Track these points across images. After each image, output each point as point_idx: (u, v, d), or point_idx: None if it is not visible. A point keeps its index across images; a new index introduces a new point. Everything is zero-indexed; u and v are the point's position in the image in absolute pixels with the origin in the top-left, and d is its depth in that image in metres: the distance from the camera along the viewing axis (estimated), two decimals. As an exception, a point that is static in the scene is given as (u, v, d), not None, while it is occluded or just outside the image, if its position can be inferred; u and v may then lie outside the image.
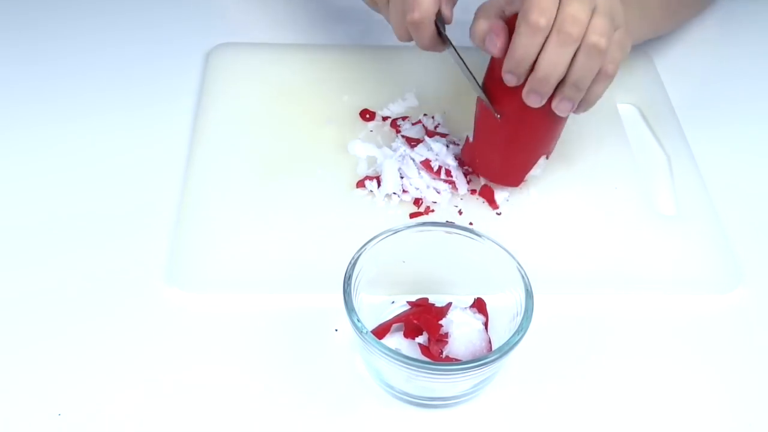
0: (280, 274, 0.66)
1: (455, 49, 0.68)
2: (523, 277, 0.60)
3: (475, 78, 0.67)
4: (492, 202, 0.71)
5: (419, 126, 0.77)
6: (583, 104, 0.65)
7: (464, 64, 0.68)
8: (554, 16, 0.60)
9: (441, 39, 0.68)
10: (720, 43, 0.90)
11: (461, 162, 0.73)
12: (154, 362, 0.62)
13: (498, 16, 0.63)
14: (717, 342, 0.65)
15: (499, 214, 0.71)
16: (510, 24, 0.62)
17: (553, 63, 0.61)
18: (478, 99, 0.68)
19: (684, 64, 0.88)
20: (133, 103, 0.81)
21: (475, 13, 0.64)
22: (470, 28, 0.64)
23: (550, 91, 0.63)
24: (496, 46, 0.63)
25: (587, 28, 0.60)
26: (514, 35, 0.61)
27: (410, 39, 0.68)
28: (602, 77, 0.63)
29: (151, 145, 0.77)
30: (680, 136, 0.80)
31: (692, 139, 0.80)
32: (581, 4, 0.60)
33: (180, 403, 0.59)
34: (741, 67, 0.90)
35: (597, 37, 0.60)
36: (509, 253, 0.61)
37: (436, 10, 0.65)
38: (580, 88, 0.63)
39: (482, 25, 0.63)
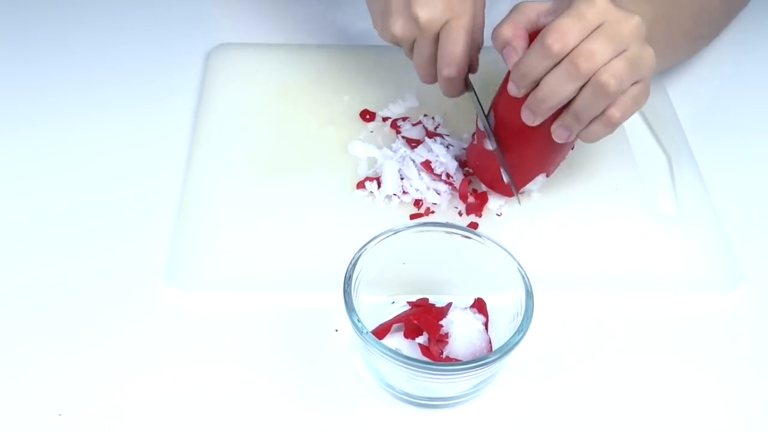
0: (280, 274, 0.66)
1: (476, 95, 0.69)
2: (523, 277, 0.60)
3: (489, 124, 0.68)
4: (479, 209, 0.71)
5: (419, 127, 0.77)
6: (582, 137, 0.64)
7: (482, 108, 0.69)
8: (573, 45, 0.59)
9: (465, 86, 0.69)
10: (721, 45, 0.90)
11: (462, 163, 0.73)
12: (154, 362, 0.62)
13: (528, 24, 0.63)
14: (717, 342, 0.65)
15: (499, 214, 0.71)
16: (536, 37, 0.61)
17: (554, 89, 0.60)
18: (491, 107, 0.68)
19: (685, 65, 0.88)
20: (133, 103, 0.81)
21: (510, 12, 0.64)
22: (494, 30, 0.64)
23: (546, 114, 0.62)
24: (511, 59, 0.62)
25: (603, 67, 0.59)
26: (528, 49, 0.61)
27: (434, 83, 0.70)
28: (605, 121, 0.62)
29: (151, 145, 0.77)
30: (680, 136, 0.80)
31: (692, 140, 0.80)
32: (605, 44, 0.59)
33: (180, 403, 0.59)
34: (742, 69, 0.90)
35: (608, 76, 0.59)
36: (509, 254, 0.61)
37: (468, 64, 0.67)
38: (580, 120, 0.62)
39: (506, 32, 0.63)
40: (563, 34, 0.59)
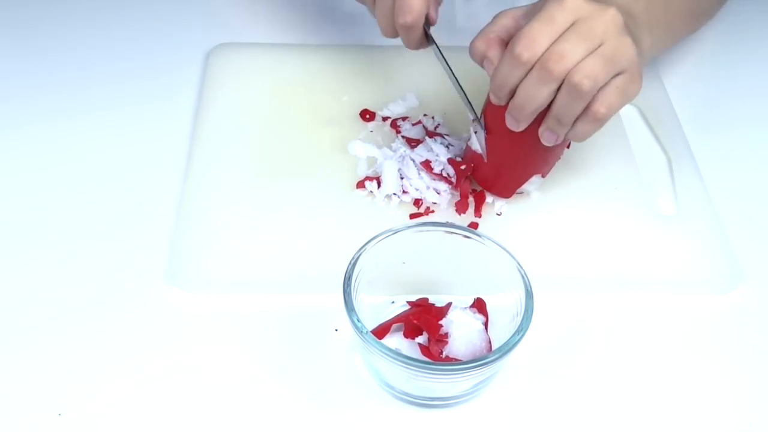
0: (280, 274, 0.66)
1: (438, 48, 0.69)
2: (523, 277, 0.60)
3: (456, 77, 0.69)
4: (477, 209, 0.71)
5: (419, 126, 0.77)
6: (571, 137, 0.64)
7: (446, 62, 0.69)
8: (543, 49, 0.58)
9: (426, 39, 0.68)
10: (721, 44, 0.90)
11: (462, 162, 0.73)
12: (155, 362, 0.62)
13: (504, 31, 0.63)
14: (717, 342, 0.65)
15: (499, 214, 0.71)
16: None
17: (530, 95, 0.60)
18: (484, 108, 0.68)
19: (685, 64, 0.88)
20: (133, 103, 0.81)
21: (491, 21, 0.64)
22: (470, 44, 0.64)
23: (528, 119, 0.62)
24: (489, 71, 0.63)
25: (575, 67, 0.58)
26: (501, 59, 0.61)
27: (396, 36, 0.69)
28: (590, 118, 0.61)
29: (150, 145, 0.77)
30: (680, 136, 0.80)
31: (692, 139, 0.80)
32: (576, 43, 0.58)
33: (180, 403, 0.59)
34: (742, 68, 0.90)
35: (580, 77, 0.58)
36: (509, 253, 0.61)
37: (425, 13, 0.66)
38: (563, 122, 0.62)
39: (479, 45, 0.63)
40: (532, 41, 0.59)
